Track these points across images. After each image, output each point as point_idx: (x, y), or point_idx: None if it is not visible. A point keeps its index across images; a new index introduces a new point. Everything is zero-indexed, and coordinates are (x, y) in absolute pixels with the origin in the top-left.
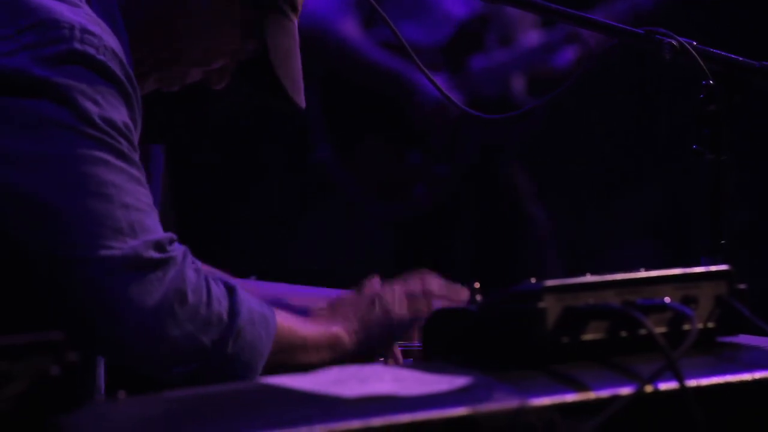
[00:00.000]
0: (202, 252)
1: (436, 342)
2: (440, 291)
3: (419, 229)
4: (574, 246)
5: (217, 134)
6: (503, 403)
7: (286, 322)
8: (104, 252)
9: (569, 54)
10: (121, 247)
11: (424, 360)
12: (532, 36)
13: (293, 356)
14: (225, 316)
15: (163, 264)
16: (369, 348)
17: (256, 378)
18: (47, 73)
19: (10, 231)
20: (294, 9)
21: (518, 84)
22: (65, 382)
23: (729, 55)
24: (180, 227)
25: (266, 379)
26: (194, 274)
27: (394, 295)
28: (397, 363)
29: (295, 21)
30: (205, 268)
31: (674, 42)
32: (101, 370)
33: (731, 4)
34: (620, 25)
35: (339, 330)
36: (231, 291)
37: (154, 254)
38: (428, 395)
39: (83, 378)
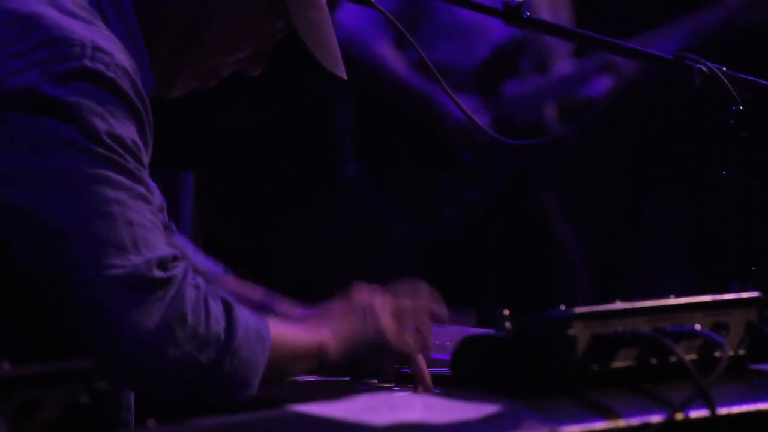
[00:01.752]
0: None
1: (464, 369)
2: (428, 303)
3: (447, 251)
4: (604, 271)
5: (241, 154)
6: (533, 431)
7: (277, 332)
8: (107, 272)
9: (603, 83)
10: (124, 264)
11: (453, 387)
12: (566, 65)
13: (283, 367)
14: (222, 336)
15: (164, 283)
16: (355, 359)
17: (251, 394)
18: (57, 90)
19: (15, 250)
20: None
21: (550, 112)
22: (94, 411)
23: (758, 80)
24: (209, 251)
25: (297, 408)
26: (194, 292)
27: (385, 309)
28: (424, 385)
29: None
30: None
31: (704, 67)
32: (131, 399)
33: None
34: (649, 51)
35: (326, 338)
36: (228, 308)
37: (157, 273)
38: (458, 423)
39: (113, 407)
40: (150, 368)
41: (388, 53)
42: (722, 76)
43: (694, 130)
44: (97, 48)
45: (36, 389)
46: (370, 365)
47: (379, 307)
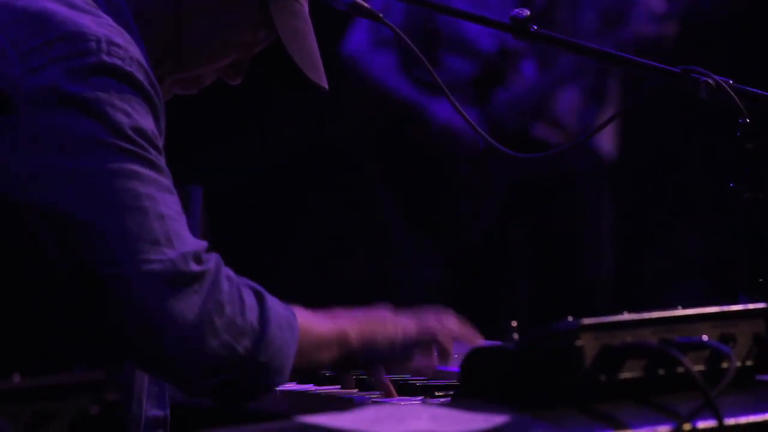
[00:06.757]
0: None
1: (472, 380)
2: (456, 329)
3: (470, 266)
4: (623, 285)
5: (256, 173)
6: None
7: (303, 321)
8: (144, 267)
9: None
10: (160, 259)
11: (461, 398)
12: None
13: (308, 356)
14: (256, 324)
15: (201, 276)
16: (373, 354)
17: (284, 381)
18: (77, 87)
19: (45, 250)
20: None
21: (540, 118)
22: (105, 422)
23: (766, 93)
24: None
25: (306, 419)
26: (228, 283)
27: (408, 320)
28: (386, 389)
29: (305, 4)
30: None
31: (710, 80)
32: (143, 392)
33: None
34: (656, 64)
35: (348, 327)
36: (260, 297)
37: (193, 266)
38: None
39: (123, 418)
40: (191, 359)
41: (386, 72)
42: (728, 89)
43: (709, 143)
44: (111, 42)
45: (46, 401)
46: (387, 359)
47: (402, 317)
